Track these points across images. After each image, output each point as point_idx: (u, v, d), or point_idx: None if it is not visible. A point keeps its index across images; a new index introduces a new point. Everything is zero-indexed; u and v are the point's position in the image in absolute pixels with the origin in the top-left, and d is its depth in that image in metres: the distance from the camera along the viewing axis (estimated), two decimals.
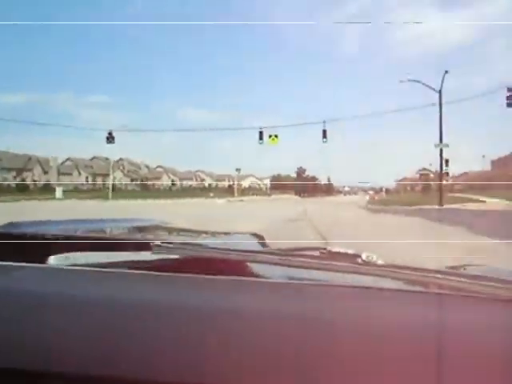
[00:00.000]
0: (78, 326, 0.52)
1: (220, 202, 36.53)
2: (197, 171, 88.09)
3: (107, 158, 47.92)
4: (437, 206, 23.69)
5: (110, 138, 30.22)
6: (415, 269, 0.65)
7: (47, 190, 45.50)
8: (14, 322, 0.53)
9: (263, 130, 29.60)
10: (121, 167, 71.92)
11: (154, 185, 70.61)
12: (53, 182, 50.12)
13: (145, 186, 67.02)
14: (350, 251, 0.73)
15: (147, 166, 79.23)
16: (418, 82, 27.25)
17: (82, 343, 0.51)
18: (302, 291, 0.60)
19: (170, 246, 0.74)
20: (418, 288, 0.64)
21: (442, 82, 26.36)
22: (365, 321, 0.51)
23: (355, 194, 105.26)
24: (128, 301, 0.56)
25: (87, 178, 66.18)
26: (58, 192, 40.20)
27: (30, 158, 57.73)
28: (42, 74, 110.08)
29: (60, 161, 61.92)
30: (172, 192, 60.91)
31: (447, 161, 27.80)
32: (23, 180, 51.56)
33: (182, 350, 0.50)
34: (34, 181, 54.36)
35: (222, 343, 0.49)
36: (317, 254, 0.77)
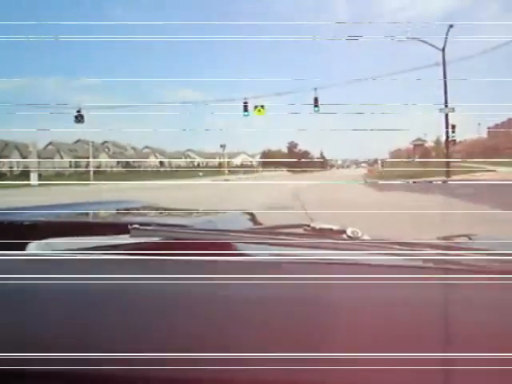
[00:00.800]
0: (58, 313, 0.50)
1: (202, 182, 33.06)
2: (186, 151, 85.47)
3: (93, 142, 45.47)
4: (444, 178, 21.45)
5: (79, 117, 27.41)
6: (402, 243, 0.63)
7: (25, 175, 43.06)
8: None
9: (248, 101, 27.07)
10: (106, 149, 69.04)
11: (139, 166, 67.95)
12: (32, 167, 47.55)
13: (131, 168, 64.34)
14: (334, 227, 0.71)
15: (133, 148, 76.36)
16: (416, 38, 24.70)
17: (63, 330, 0.48)
18: (288, 269, 0.57)
19: (148, 228, 0.72)
20: (405, 262, 0.61)
21: (446, 38, 23.84)
22: (352, 297, 0.49)
23: (348, 167, 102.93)
24: (109, 286, 0.54)
25: (70, 162, 63.37)
26: (33, 177, 37.71)
27: (6, 144, 54.82)
28: (25, 57, 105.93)
29: (41, 145, 59.11)
30: (159, 173, 58.40)
31: (454, 126, 25.17)
32: None
33: (168, 335, 0.46)
34: (11, 167, 51.73)
35: (208, 326, 0.47)
36: (301, 231, 0.75)
